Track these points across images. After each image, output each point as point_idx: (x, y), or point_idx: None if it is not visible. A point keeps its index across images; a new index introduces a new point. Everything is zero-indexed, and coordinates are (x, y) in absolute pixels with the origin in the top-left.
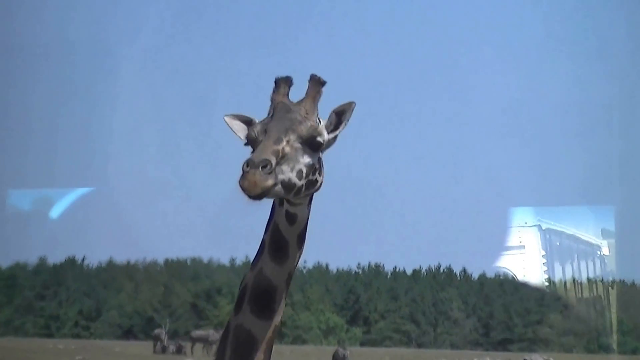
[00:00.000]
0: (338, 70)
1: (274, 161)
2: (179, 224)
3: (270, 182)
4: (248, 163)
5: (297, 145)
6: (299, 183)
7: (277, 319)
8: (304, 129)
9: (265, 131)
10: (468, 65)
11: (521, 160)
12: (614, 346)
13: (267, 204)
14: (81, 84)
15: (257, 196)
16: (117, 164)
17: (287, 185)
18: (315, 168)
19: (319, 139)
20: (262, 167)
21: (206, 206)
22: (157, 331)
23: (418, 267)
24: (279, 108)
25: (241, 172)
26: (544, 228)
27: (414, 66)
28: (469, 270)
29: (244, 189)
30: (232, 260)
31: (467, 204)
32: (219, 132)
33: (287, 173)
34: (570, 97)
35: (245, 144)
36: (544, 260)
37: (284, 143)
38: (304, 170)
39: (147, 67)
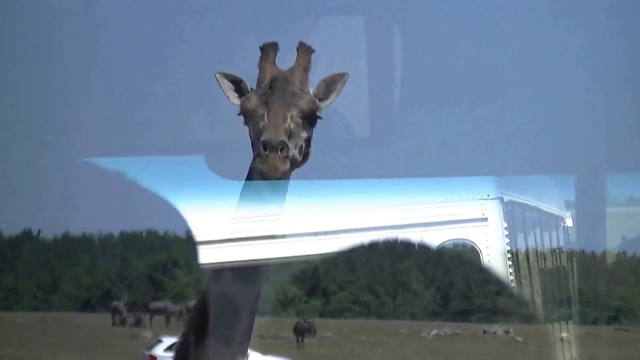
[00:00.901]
0: None
1: (288, 142)
2: (134, 196)
3: (288, 165)
4: (266, 146)
5: (299, 120)
6: (299, 159)
7: (262, 283)
8: (304, 104)
9: (265, 104)
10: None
11: (482, 131)
12: (575, 316)
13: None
14: None
15: (275, 179)
16: (71, 134)
17: (292, 163)
18: (310, 141)
19: (318, 113)
20: (280, 150)
21: (163, 178)
22: (115, 303)
23: (376, 238)
24: (278, 80)
25: (258, 154)
26: (506, 200)
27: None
28: (428, 241)
29: (264, 173)
30: (188, 233)
31: (427, 174)
32: (183, 103)
33: (292, 150)
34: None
35: (238, 114)
36: (506, 232)
37: (289, 120)
38: (304, 146)
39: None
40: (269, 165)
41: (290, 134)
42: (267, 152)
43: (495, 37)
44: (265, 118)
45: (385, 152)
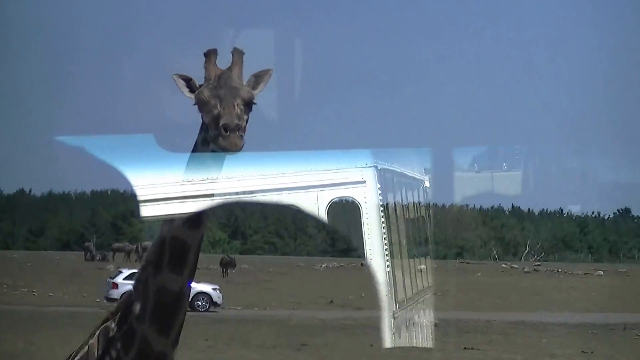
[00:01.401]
0: None
1: (242, 124)
2: (101, 160)
3: (243, 141)
4: (226, 128)
5: (242, 107)
6: (244, 139)
7: (203, 228)
8: (245, 94)
9: (216, 96)
10: None
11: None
12: (430, 253)
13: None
14: None
15: (235, 152)
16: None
17: None
18: (247, 122)
19: (254, 101)
20: (237, 130)
21: (125, 152)
22: (87, 244)
23: (282, 196)
24: (222, 77)
25: (218, 134)
26: (379, 168)
27: None
28: (321, 199)
29: (226, 149)
30: (143, 190)
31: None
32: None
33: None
34: None
35: (194, 104)
36: (380, 192)
37: (237, 107)
38: (245, 128)
39: None
40: (230, 143)
41: (239, 118)
42: (228, 133)
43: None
44: (219, 107)
45: (291, 132)
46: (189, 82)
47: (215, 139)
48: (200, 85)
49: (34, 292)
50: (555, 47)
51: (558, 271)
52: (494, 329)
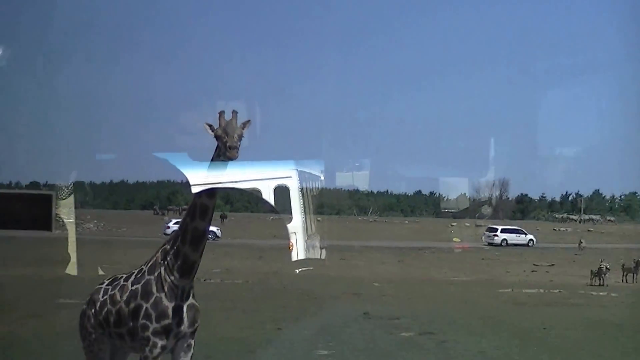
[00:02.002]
0: None
1: (238, 146)
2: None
3: (237, 155)
4: (230, 147)
5: (238, 138)
6: (238, 154)
7: (215, 198)
8: (239, 132)
9: (226, 132)
10: None
11: None
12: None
13: None
14: None
15: (234, 160)
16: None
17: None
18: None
19: (243, 135)
20: (237, 149)
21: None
22: (155, 207)
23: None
24: (228, 124)
25: (226, 151)
26: (298, 170)
27: None
28: (271, 184)
29: (229, 158)
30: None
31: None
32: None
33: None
34: None
35: (214, 137)
36: (298, 182)
37: (236, 138)
38: (239, 148)
39: None
40: (232, 155)
41: (236, 143)
42: (231, 150)
43: None
44: (226, 137)
45: (258, 151)
46: (211, 127)
47: (224, 153)
48: (217, 128)
49: (124, 229)
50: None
51: (386, 222)
52: (354, 249)
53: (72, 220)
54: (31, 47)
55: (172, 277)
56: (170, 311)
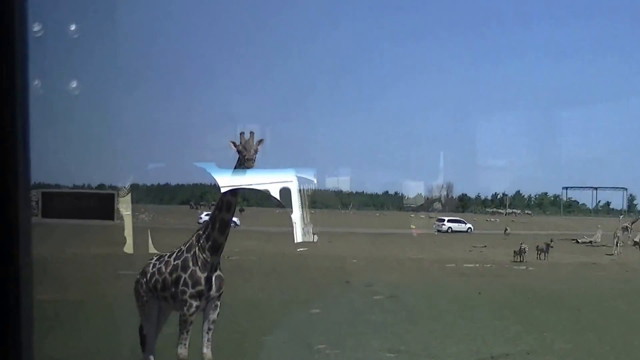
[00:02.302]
0: None
1: (254, 158)
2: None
3: (254, 165)
4: (248, 159)
5: (254, 152)
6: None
7: (237, 197)
8: (255, 147)
9: (245, 148)
10: None
11: None
12: (315, 207)
13: None
14: None
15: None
16: None
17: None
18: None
19: (257, 151)
20: (253, 161)
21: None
22: (190, 203)
23: None
24: (247, 141)
25: (245, 162)
26: (297, 175)
27: None
28: (277, 187)
29: (247, 168)
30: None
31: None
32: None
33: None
34: None
35: (236, 151)
36: (297, 184)
37: (254, 152)
38: (255, 160)
39: None
40: (250, 165)
41: (253, 156)
42: (250, 162)
43: None
44: (245, 152)
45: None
46: (234, 143)
47: (244, 164)
48: (238, 144)
49: (168, 219)
50: None
51: (362, 214)
52: (339, 235)
53: (129, 212)
54: (99, 76)
55: (204, 255)
56: (202, 280)
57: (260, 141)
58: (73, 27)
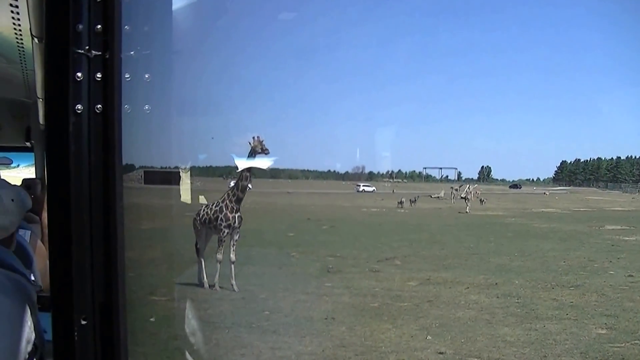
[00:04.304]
0: None
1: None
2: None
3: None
4: (266, 152)
5: (263, 148)
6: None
7: (251, 173)
8: (264, 147)
9: (260, 143)
10: None
11: None
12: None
13: None
14: None
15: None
16: None
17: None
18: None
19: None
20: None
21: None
22: (223, 177)
23: None
24: (257, 143)
25: (263, 151)
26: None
27: None
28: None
29: (266, 154)
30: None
31: None
32: None
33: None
34: None
35: (253, 145)
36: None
37: (263, 148)
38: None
39: None
40: (267, 152)
41: (264, 150)
42: (260, 153)
43: None
44: (261, 147)
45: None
46: (254, 138)
47: (259, 153)
48: (255, 142)
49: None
50: None
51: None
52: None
53: (188, 181)
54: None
55: (232, 204)
56: (230, 218)
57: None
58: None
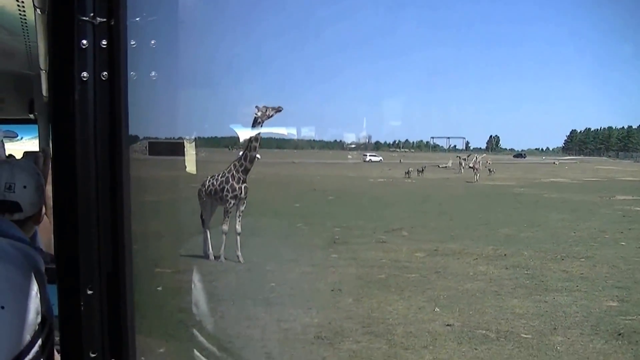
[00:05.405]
0: None
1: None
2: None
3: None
4: (267, 113)
5: (271, 115)
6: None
7: (257, 143)
8: (271, 112)
9: (262, 112)
10: None
11: None
12: None
13: None
14: None
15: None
16: None
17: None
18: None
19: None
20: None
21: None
22: (227, 147)
23: None
24: (267, 108)
25: (262, 121)
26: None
27: None
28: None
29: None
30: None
31: None
32: None
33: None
34: None
35: (256, 113)
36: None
37: (269, 114)
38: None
39: None
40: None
41: (269, 117)
42: (267, 117)
43: None
44: (267, 113)
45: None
46: (257, 107)
47: (257, 123)
48: (259, 111)
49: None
50: None
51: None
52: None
53: (193, 152)
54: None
55: (238, 175)
56: (237, 188)
57: (279, 109)
58: None
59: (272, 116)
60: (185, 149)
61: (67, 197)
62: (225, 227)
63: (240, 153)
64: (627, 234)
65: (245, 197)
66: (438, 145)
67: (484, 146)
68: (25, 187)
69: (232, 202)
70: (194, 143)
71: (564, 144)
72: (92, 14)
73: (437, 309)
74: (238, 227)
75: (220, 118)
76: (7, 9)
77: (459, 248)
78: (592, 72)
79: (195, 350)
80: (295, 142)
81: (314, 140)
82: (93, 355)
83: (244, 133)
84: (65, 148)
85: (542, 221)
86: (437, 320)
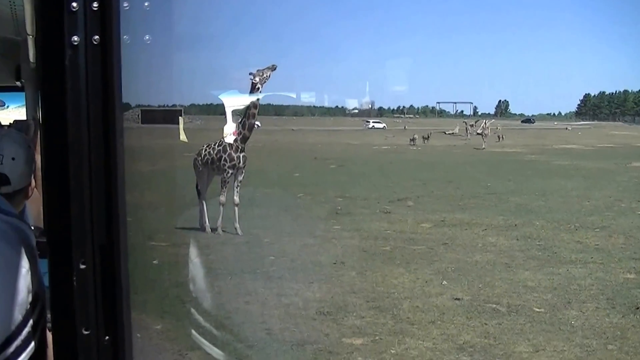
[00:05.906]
0: None
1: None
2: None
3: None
4: (262, 83)
5: (267, 77)
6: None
7: (256, 111)
8: (267, 74)
9: (259, 75)
10: None
11: None
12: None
13: None
14: None
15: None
16: None
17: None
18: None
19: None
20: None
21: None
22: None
23: None
24: (263, 71)
25: (259, 86)
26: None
27: None
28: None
29: (259, 90)
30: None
31: None
32: None
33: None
34: None
35: (252, 78)
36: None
37: (265, 77)
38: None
39: None
40: (261, 85)
41: (265, 81)
42: (262, 83)
43: None
44: (264, 75)
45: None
46: (251, 74)
47: (256, 89)
48: (255, 76)
49: (213, 124)
50: None
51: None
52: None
53: (182, 121)
54: None
55: (237, 143)
56: (235, 157)
57: (274, 66)
58: None
59: (269, 77)
60: (179, 117)
61: (58, 168)
62: (222, 198)
63: (239, 120)
64: None
65: (244, 167)
66: (444, 111)
67: (492, 111)
68: (13, 158)
69: (230, 171)
70: (188, 110)
71: (577, 108)
72: None
73: (444, 282)
74: (236, 198)
75: (217, 84)
76: None
77: (467, 218)
78: (607, 32)
79: (192, 330)
80: (295, 108)
81: (314, 106)
82: (86, 333)
83: (241, 100)
84: (55, 116)
85: (555, 189)
86: (444, 294)
